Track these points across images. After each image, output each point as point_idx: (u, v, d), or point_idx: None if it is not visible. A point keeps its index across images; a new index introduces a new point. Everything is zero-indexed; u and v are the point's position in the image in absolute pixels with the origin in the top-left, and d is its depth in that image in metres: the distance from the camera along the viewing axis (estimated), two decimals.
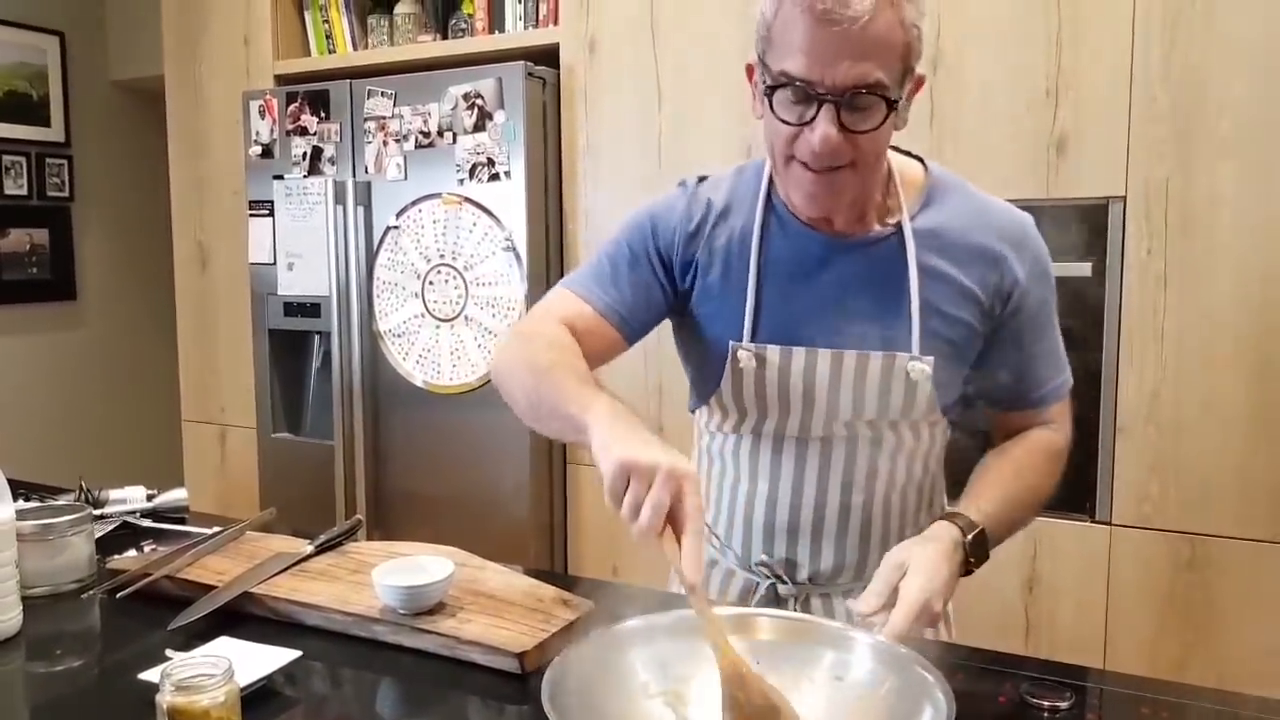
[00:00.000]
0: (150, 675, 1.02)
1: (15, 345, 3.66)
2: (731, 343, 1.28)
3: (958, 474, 1.37)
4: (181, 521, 1.70)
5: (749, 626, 1.04)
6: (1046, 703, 1.04)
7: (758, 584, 1.35)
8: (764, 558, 1.33)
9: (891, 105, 1.11)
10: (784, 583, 1.33)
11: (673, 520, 0.93)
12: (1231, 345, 2.02)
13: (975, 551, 1.17)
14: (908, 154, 1.30)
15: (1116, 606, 2.14)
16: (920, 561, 1.11)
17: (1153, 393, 2.09)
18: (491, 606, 1.21)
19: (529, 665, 1.10)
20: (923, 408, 1.27)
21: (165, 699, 0.89)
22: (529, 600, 1.23)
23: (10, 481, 1.23)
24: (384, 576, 1.20)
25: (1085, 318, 2.13)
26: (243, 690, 1.02)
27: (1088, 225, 2.12)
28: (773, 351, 1.27)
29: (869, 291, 1.25)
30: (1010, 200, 1.30)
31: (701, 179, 1.35)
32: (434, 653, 1.15)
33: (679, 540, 0.93)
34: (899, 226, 1.25)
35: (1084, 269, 2.11)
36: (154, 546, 1.56)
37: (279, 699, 1.05)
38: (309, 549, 1.39)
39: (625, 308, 1.30)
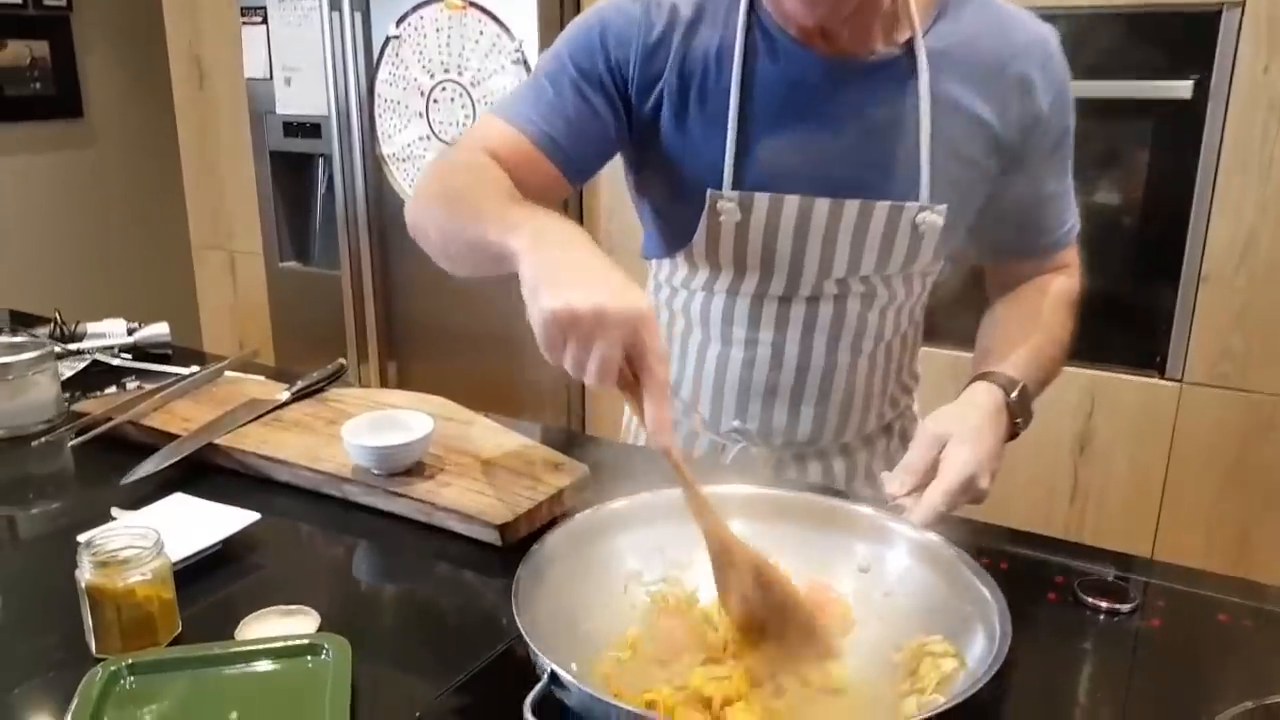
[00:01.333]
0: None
1: (20, 165, 3.52)
2: (710, 191, 1.08)
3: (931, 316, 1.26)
4: (165, 359, 1.59)
5: (760, 508, 0.91)
6: (1104, 604, 0.91)
7: (725, 446, 1.22)
8: (736, 424, 1.19)
9: None
10: (756, 446, 1.20)
11: (631, 370, 0.77)
12: None
13: (1021, 411, 1.03)
14: None
15: (1177, 472, 2.00)
16: (964, 431, 0.96)
17: (1249, 236, 1.87)
18: (474, 469, 1.09)
19: (510, 537, 0.99)
20: (926, 260, 1.11)
21: (83, 576, 0.78)
22: (517, 463, 1.11)
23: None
24: (354, 434, 1.08)
25: (1176, 146, 1.88)
26: (191, 558, 0.93)
27: (1192, 36, 1.84)
28: (760, 200, 1.07)
29: (873, 127, 1.05)
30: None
31: None
32: (411, 518, 1.04)
33: (637, 392, 0.77)
34: (909, 46, 1.04)
35: (1182, 89, 1.84)
36: (139, 385, 1.46)
37: (235, 565, 0.95)
38: (284, 396, 1.27)
39: (568, 139, 1.06)
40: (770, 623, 0.78)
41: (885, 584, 0.84)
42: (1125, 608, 0.90)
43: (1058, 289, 1.17)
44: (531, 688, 0.66)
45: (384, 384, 2.63)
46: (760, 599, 0.78)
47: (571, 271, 0.77)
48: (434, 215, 1.00)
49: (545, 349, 0.77)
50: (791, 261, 1.10)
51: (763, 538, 0.87)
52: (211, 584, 0.92)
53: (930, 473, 0.94)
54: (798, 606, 0.79)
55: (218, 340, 3.10)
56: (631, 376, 0.77)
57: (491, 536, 0.99)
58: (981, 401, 1.01)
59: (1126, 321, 2.06)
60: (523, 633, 0.69)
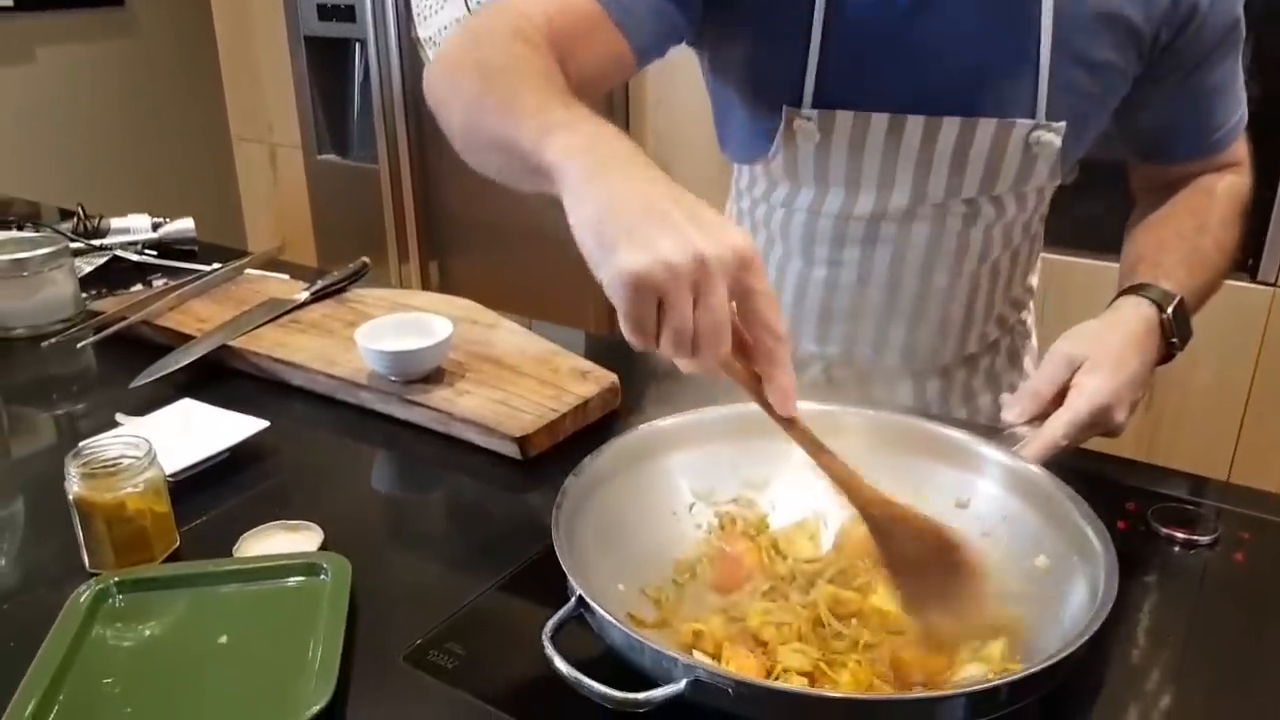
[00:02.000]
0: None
1: (61, 55, 3.46)
2: (786, 108, 0.96)
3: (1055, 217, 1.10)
4: (191, 255, 1.54)
5: (837, 428, 0.80)
6: (1181, 534, 0.82)
7: (802, 369, 1.12)
8: (814, 349, 1.08)
9: None
10: (838, 367, 1.10)
11: (739, 330, 0.59)
12: None
13: (1177, 329, 0.90)
14: None
15: (1263, 386, 1.86)
16: (1102, 354, 0.84)
17: None
18: (496, 376, 1.03)
19: (530, 450, 0.92)
20: (1041, 178, 0.98)
21: (71, 488, 0.74)
22: (541, 370, 1.04)
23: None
24: (369, 337, 1.02)
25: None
26: (194, 467, 0.88)
27: None
28: (843, 119, 0.95)
29: (979, 28, 0.91)
30: None
31: None
32: (429, 428, 0.99)
33: (751, 364, 0.61)
34: None
35: None
36: (165, 282, 1.41)
37: (242, 476, 0.90)
38: (302, 296, 1.21)
39: (645, 7, 0.88)
40: (948, 586, 0.68)
41: (985, 523, 0.75)
42: (1204, 539, 0.82)
43: (1225, 189, 1.02)
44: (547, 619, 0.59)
45: (425, 285, 2.57)
46: (937, 563, 0.68)
47: (647, 210, 0.57)
48: (463, 92, 0.79)
49: (632, 324, 0.57)
50: (880, 184, 0.98)
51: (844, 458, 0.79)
52: (216, 495, 0.87)
53: (1057, 400, 0.83)
54: (976, 567, 0.69)
55: (260, 238, 3.06)
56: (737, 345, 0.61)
57: (510, 449, 0.93)
58: (1128, 320, 0.88)
59: None
60: (555, 546, 0.62)
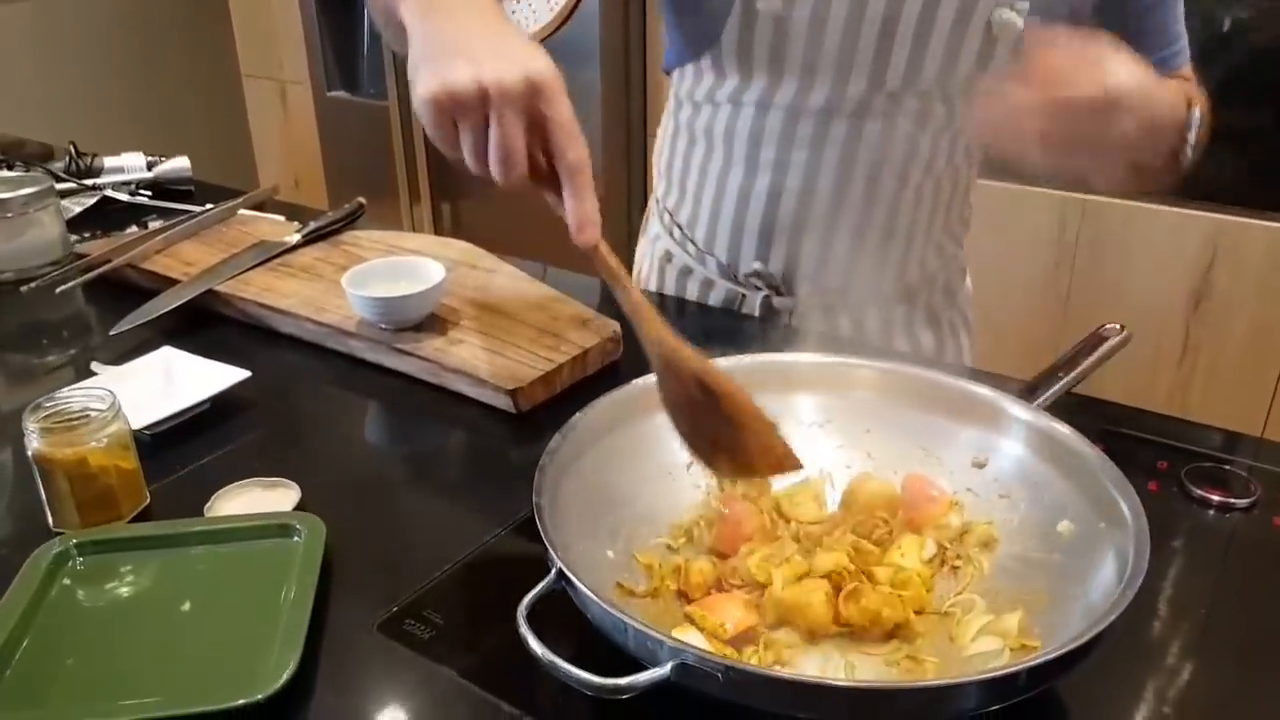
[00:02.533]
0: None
1: None
2: None
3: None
4: (187, 196, 1.49)
5: (846, 379, 0.76)
6: (1216, 497, 0.76)
7: (744, 295, 1.08)
8: (758, 266, 1.04)
9: None
10: (781, 295, 1.06)
11: (543, 152, 0.63)
12: None
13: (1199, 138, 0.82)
14: None
15: None
16: (1130, 66, 0.72)
17: None
18: (492, 324, 0.97)
19: (525, 403, 0.87)
20: (1001, 65, 0.92)
21: (30, 444, 0.69)
22: (540, 318, 0.98)
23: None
24: (357, 283, 0.96)
25: None
26: (170, 419, 0.84)
27: None
28: None
29: None
30: None
31: None
32: (420, 379, 0.94)
33: (556, 185, 0.63)
34: None
35: None
36: (161, 223, 1.36)
37: (221, 429, 0.86)
38: (294, 238, 1.16)
39: None
40: (723, 435, 0.64)
41: (1004, 484, 0.70)
42: (1241, 502, 0.76)
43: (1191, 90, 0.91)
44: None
45: (437, 227, 2.51)
46: (707, 408, 0.63)
47: (454, 43, 0.63)
48: None
49: (438, 142, 0.64)
50: (838, 66, 0.93)
51: (849, 417, 0.74)
52: (192, 450, 0.83)
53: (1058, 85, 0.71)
54: (751, 415, 0.64)
55: (271, 178, 3.01)
56: (546, 166, 0.64)
57: (504, 402, 0.87)
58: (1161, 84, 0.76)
59: (1258, 157, 1.80)
60: (536, 512, 0.57)
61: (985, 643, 0.58)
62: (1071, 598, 0.60)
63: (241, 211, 1.29)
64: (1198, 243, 1.83)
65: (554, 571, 0.54)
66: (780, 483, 0.72)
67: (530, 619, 0.52)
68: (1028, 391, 0.75)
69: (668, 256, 1.14)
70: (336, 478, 0.80)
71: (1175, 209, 1.85)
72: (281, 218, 1.29)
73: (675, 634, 0.57)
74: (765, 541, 0.67)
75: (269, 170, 3.03)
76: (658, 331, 0.62)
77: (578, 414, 0.68)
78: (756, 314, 1.07)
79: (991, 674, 0.48)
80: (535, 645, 0.50)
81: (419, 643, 0.62)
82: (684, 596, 0.61)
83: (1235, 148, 1.79)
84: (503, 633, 0.60)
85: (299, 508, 0.74)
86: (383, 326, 0.96)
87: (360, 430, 0.90)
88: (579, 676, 0.48)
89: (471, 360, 0.91)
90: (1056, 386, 0.76)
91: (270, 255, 1.12)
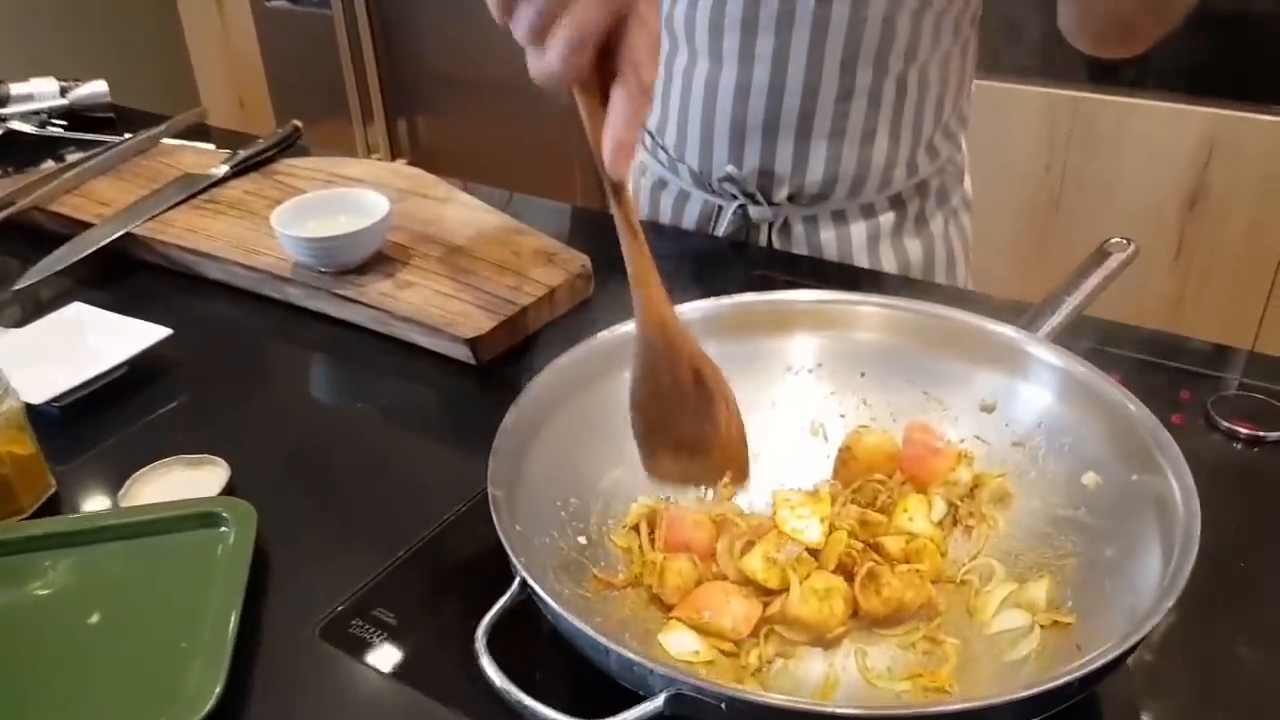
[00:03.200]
0: None
1: None
2: None
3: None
4: (109, 125, 1.35)
5: (847, 319, 0.66)
6: (1244, 430, 0.69)
7: (721, 207, 0.98)
8: (730, 170, 0.94)
9: None
10: (757, 203, 0.96)
11: (606, 57, 0.48)
12: None
13: None
14: None
15: None
16: None
17: None
18: (446, 263, 0.87)
19: (486, 353, 0.78)
20: None
21: None
22: (500, 253, 0.88)
23: None
24: (288, 221, 0.85)
25: None
26: (79, 389, 0.73)
27: None
28: None
29: None
30: None
31: None
32: (368, 328, 0.84)
33: (605, 96, 0.49)
34: None
35: None
36: (79, 156, 1.23)
37: (139, 398, 0.76)
38: (221, 170, 1.04)
39: None
40: (691, 437, 0.55)
41: (1017, 429, 0.61)
42: (1273, 435, 0.68)
43: None
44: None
45: (394, 149, 2.35)
46: (693, 407, 0.55)
47: None
48: None
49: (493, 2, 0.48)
50: None
51: (842, 360, 0.65)
52: (106, 423, 0.73)
53: None
54: (735, 424, 0.56)
55: (216, 102, 2.82)
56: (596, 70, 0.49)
57: (463, 353, 0.78)
58: None
59: (1258, 47, 1.69)
60: (492, 506, 0.48)
61: (1010, 617, 0.51)
62: (1105, 564, 0.52)
63: (165, 141, 1.16)
64: (1194, 140, 1.73)
65: (517, 582, 0.45)
66: (774, 436, 0.63)
67: (494, 636, 0.43)
68: (1030, 319, 0.66)
69: (640, 169, 1.04)
70: (271, 450, 0.71)
71: (1171, 104, 1.75)
72: (211, 146, 1.16)
73: (662, 637, 0.49)
74: (708, 546, 0.57)
75: (212, 93, 2.84)
76: (660, 311, 0.52)
77: (531, 381, 0.58)
78: (727, 226, 0.97)
79: (1040, 689, 0.40)
80: (497, 678, 0.41)
81: (368, 649, 0.54)
82: (659, 601, 0.52)
83: (1235, 37, 1.68)
84: (469, 633, 0.52)
85: (228, 489, 0.65)
86: (321, 270, 0.85)
87: (299, 392, 0.80)
88: (547, 716, 0.40)
89: (424, 306, 0.80)
90: (1062, 311, 0.67)
91: (194, 190, 1.00)
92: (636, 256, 0.51)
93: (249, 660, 0.53)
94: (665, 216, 1.03)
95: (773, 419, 0.64)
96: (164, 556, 0.58)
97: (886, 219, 0.98)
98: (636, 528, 0.56)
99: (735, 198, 0.97)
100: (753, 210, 0.97)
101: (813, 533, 0.53)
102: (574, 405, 0.59)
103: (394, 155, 2.33)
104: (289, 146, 1.11)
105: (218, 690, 0.49)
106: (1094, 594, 0.52)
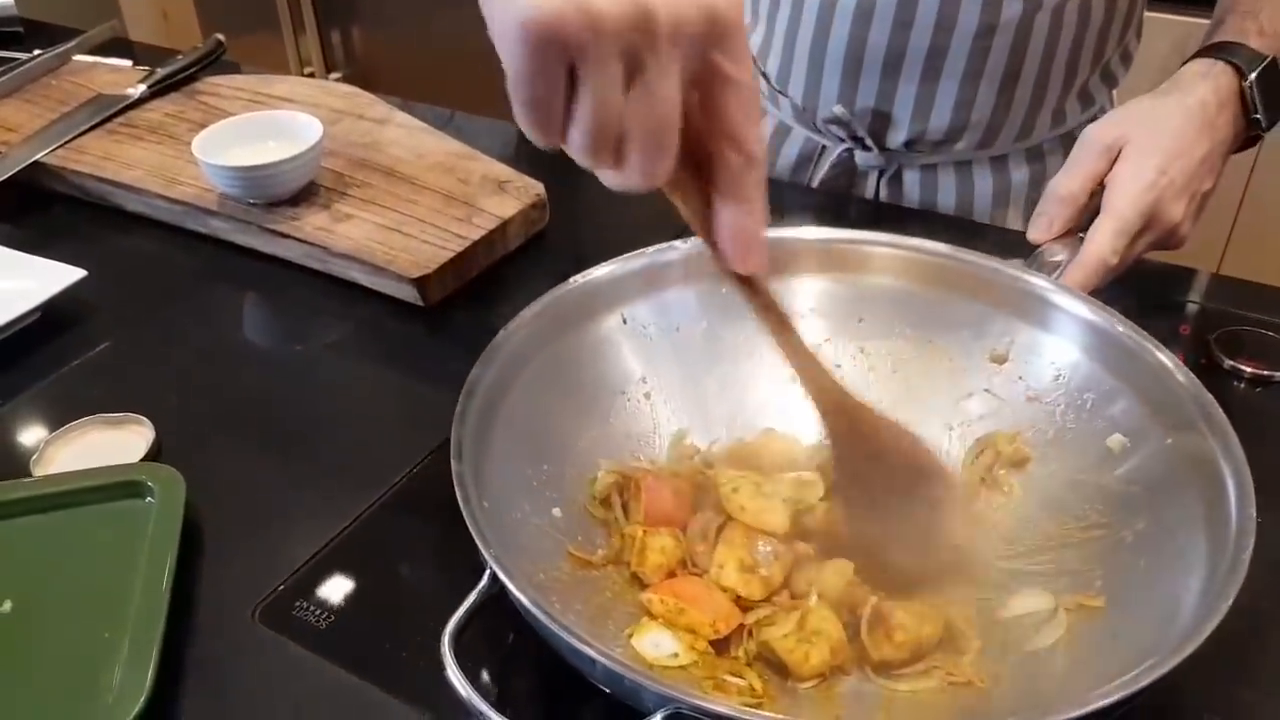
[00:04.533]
0: None
1: None
2: None
3: None
4: (14, 40, 1.23)
5: (843, 261, 0.60)
6: (1248, 368, 0.65)
7: (824, 148, 0.89)
8: (839, 111, 0.84)
9: None
10: (866, 148, 0.86)
11: (697, 136, 0.37)
12: None
13: (1266, 100, 0.67)
14: None
15: (1268, 165, 1.64)
16: (1149, 134, 0.63)
17: None
18: (387, 193, 0.80)
19: (434, 294, 0.72)
20: None
21: None
22: (447, 181, 0.81)
23: None
24: (211, 149, 0.77)
25: None
26: None
27: None
28: None
29: None
30: None
31: None
32: (303, 264, 0.77)
33: (709, 187, 0.38)
34: None
35: None
36: None
37: (51, 348, 0.69)
38: (138, 90, 0.94)
39: None
40: (891, 518, 0.50)
41: (1032, 384, 0.56)
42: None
43: None
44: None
45: (328, 63, 2.22)
46: (891, 488, 0.49)
47: None
48: None
49: (525, 107, 0.34)
50: None
51: (839, 303, 0.59)
52: (15, 378, 0.66)
53: (1094, 202, 0.63)
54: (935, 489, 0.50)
55: (137, 13, 2.63)
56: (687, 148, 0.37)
57: (409, 293, 0.72)
58: (1192, 89, 0.66)
59: None
60: (458, 490, 0.43)
61: (1029, 599, 0.47)
62: (1136, 540, 0.47)
63: (77, 58, 1.06)
64: (1166, 47, 1.67)
65: (488, 576, 0.40)
66: (759, 394, 0.58)
67: (460, 635, 0.39)
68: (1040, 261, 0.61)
69: None
70: (200, 406, 0.64)
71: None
72: (128, 64, 1.06)
73: (635, 641, 0.45)
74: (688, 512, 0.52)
75: (134, 5, 2.65)
76: (845, 399, 0.46)
77: (497, 335, 0.52)
78: (828, 171, 0.88)
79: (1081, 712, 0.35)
80: (463, 689, 0.36)
81: (313, 633, 0.49)
82: (638, 580, 0.48)
83: None
84: (428, 615, 0.47)
85: (153, 453, 0.59)
86: (250, 202, 0.78)
87: (230, 339, 0.73)
88: None
89: (364, 242, 0.74)
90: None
91: (109, 113, 0.91)
92: (794, 353, 0.45)
93: (179, 652, 0.48)
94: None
95: (760, 367, 0.58)
96: (82, 532, 0.53)
97: (1020, 175, 0.86)
98: (608, 500, 0.51)
99: (842, 140, 0.87)
100: (860, 156, 0.86)
101: (777, 515, 0.49)
102: (543, 360, 0.53)
103: (328, 69, 2.20)
104: (213, 62, 1.01)
105: (147, 687, 0.44)
106: (1126, 574, 0.46)
